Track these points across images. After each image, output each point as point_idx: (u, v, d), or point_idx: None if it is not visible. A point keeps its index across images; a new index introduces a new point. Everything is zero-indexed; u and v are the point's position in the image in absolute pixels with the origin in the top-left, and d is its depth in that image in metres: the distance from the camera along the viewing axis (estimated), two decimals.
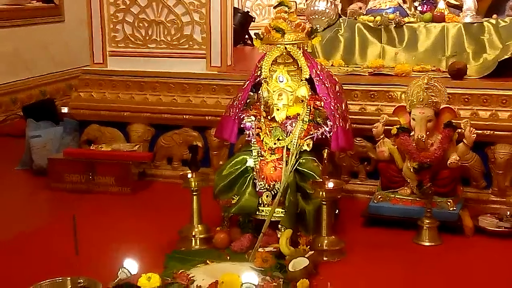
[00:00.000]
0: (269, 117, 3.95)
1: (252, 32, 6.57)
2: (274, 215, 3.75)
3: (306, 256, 3.41)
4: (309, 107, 3.90)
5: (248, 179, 3.88)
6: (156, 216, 4.31)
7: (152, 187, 4.96)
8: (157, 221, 4.21)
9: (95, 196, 4.74)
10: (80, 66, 5.85)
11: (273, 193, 3.83)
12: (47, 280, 3.20)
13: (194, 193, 3.78)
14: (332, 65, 5.02)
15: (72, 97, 5.45)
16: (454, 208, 3.96)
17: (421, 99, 4.02)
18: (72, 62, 7.65)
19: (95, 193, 4.78)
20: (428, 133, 4.01)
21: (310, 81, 3.92)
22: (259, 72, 3.99)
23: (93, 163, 4.82)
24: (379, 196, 4.10)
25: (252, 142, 3.92)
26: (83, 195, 4.75)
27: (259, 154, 3.88)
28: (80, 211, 4.10)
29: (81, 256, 3.39)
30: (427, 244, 3.80)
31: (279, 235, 3.63)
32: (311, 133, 3.86)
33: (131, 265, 3.19)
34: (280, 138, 3.88)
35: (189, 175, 3.80)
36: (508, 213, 4.00)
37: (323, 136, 3.87)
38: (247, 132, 3.97)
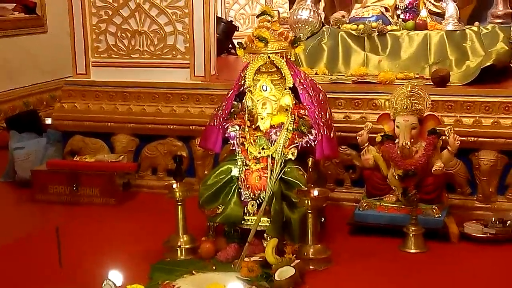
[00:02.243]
0: (253, 126, 3.95)
1: (235, 41, 6.58)
2: (259, 224, 3.74)
3: (292, 265, 3.40)
4: (293, 115, 3.90)
5: (233, 189, 3.87)
6: (141, 227, 4.29)
7: (137, 198, 4.93)
8: (142, 232, 4.19)
9: (79, 207, 4.71)
10: (63, 77, 5.82)
11: (258, 202, 3.82)
12: None
13: (179, 203, 3.76)
14: (316, 74, 5.02)
15: (55, 108, 5.42)
16: (440, 215, 3.97)
17: (405, 107, 4.04)
18: (55, 73, 7.61)
19: (80, 204, 4.75)
20: (412, 140, 4.03)
21: (294, 90, 3.93)
22: (242, 81, 3.99)
23: (77, 174, 4.79)
24: (365, 204, 4.11)
25: (237, 151, 3.92)
26: (67, 207, 4.72)
27: (244, 164, 3.88)
28: (64, 223, 4.08)
29: (66, 268, 3.37)
30: (413, 251, 3.81)
31: (264, 244, 3.63)
32: (295, 141, 3.86)
33: (116, 276, 3.17)
34: (265, 147, 3.88)
35: (174, 185, 3.79)
36: (493, 219, 4.01)
37: (308, 145, 3.87)
38: (232, 142, 3.96)
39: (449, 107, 4.43)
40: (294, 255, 3.55)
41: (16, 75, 7.45)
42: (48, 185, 4.82)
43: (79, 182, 4.77)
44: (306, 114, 3.90)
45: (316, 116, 3.87)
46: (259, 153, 3.87)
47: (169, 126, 4.98)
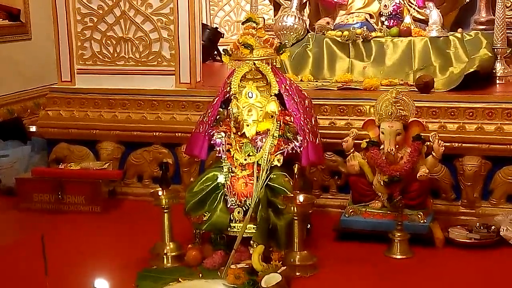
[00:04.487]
0: (239, 133, 3.95)
1: (221, 48, 6.59)
2: (246, 231, 3.74)
3: (278, 271, 3.40)
4: (279, 122, 3.91)
5: (219, 196, 3.87)
6: (127, 235, 4.28)
7: (122, 205, 4.92)
8: (128, 240, 4.17)
9: (64, 215, 4.68)
10: (48, 84, 5.79)
11: (244, 209, 3.82)
12: None
13: (165, 211, 3.76)
14: (301, 80, 5.03)
15: (40, 115, 5.40)
16: (425, 221, 3.99)
17: (389, 113, 4.06)
18: (40, 80, 7.57)
19: (65, 212, 4.72)
20: (397, 146, 4.04)
21: (279, 96, 3.93)
22: (228, 88, 3.99)
23: (62, 182, 4.76)
24: (351, 210, 4.12)
25: (223, 158, 3.92)
26: (52, 215, 4.69)
27: (230, 170, 3.88)
28: (49, 231, 4.05)
29: (51, 277, 3.34)
30: (399, 257, 3.82)
31: (251, 251, 3.62)
32: (281, 148, 3.87)
33: (102, 285, 3.15)
34: (251, 153, 3.88)
35: (160, 193, 3.79)
36: (478, 225, 4.04)
37: (294, 151, 3.88)
38: (218, 149, 3.96)
39: (434, 113, 4.46)
40: (281, 262, 3.55)
41: (0, 83, 7.40)
42: (33, 193, 4.80)
43: (64, 190, 4.75)
44: (292, 120, 3.91)
45: (302, 122, 3.88)
46: (245, 159, 3.87)
47: (154, 133, 4.97)
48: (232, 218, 3.84)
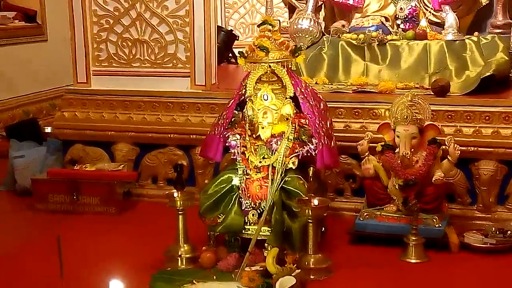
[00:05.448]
0: (254, 135, 3.95)
1: (236, 51, 6.60)
2: (260, 233, 3.74)
3: (292, 274, 3.39)
4: (294, 125, 3.90)
5: (233, 198, 3.87)
6: (142, 236, 4.28)
7: (137, 207, 4.93)
8: (142, 241, 4.18)
9: (79, 216, 4.70)
10: (64, 85, 5.82)
11: (259, 212, 3.82)
12: None
13: (179, 213, 3.76)
14: (316, 83, 5.03)
15: (56, 116, 5.42)
16: (440, 225, 3.97)
17: (405, 116, 4.04)
18: (56, 81, 7.62)
19: (80, 213, 4.74)
20: (412, 150, 4.03)
21: (294, 99, 3.93)
22: (243, 90, 4.00)
23: (77, 183, 4.78)
24: (365, 214, 4.11)
25: (238, 160, 3.92)
26: (67, 216, 4.71)
27: (245, 173, 3.88)
28: (64, 232, 4.06)
29: (66, 278, 3.36)
30: (414, 261, 3.81)
31: (265, 254, 3.62)
32: (296, 151, 3.86)
33: (117, 286, 3.17)
34: (266, 156, 3.88)
35: (175, 194, 3.79)
36: (493, 229, 4.01)
37: (308, 154, 3.87)
38: (232, 151, 3.96)
39: (449, 116, 4.44)
40: (295, 265, 3.54)
41: (16, 84, 7.46)
42: (48, 194, 4.82)
43: (79, 191, 4.77)
44: (307, 123, 3.91)
45: (317, 125, 3.88)
46: (260, 162, 3.87)
47: (169, 135, 4.98)
48: (246, 221, 3.85)
